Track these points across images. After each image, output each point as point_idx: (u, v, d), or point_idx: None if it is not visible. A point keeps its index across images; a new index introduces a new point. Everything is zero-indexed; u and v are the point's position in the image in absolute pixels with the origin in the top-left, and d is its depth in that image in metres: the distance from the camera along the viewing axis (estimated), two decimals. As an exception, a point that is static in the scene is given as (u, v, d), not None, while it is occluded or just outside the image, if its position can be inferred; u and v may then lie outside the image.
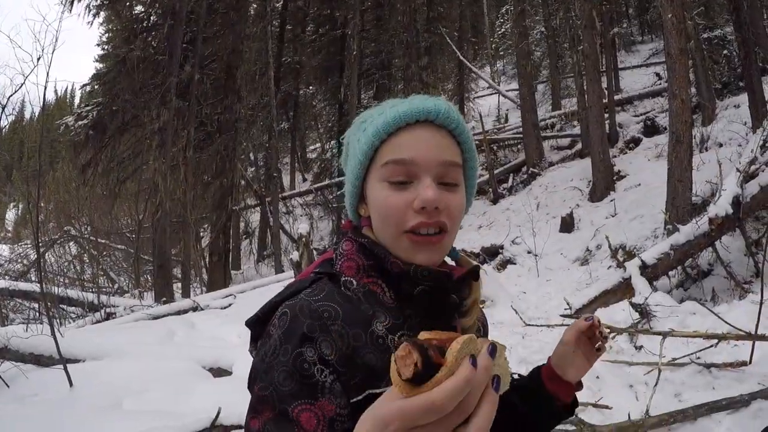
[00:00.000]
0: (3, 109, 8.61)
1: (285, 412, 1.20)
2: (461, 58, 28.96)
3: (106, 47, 23.38)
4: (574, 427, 5.66)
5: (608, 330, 1.47)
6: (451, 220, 1.43)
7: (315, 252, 12.26)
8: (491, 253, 15.03)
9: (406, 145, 1.42)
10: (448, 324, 1.47)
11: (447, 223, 1.42)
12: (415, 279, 1.39)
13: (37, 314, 14.85)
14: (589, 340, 1.65)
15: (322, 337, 1.27)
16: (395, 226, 1.40)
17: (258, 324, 1.40)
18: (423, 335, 0.97)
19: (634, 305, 8.59)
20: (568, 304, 9.78)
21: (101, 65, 21.78)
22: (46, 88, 8.15)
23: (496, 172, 21.58)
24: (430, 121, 1.44)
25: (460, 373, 0.89)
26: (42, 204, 26.42)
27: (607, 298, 9.68)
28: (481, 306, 1.62)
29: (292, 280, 1.66)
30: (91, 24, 19.51)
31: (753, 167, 10.22)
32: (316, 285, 1.40)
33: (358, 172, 1.48)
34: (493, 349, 0.93)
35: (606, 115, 18.78)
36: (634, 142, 19.90)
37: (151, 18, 19.38)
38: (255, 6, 24.26)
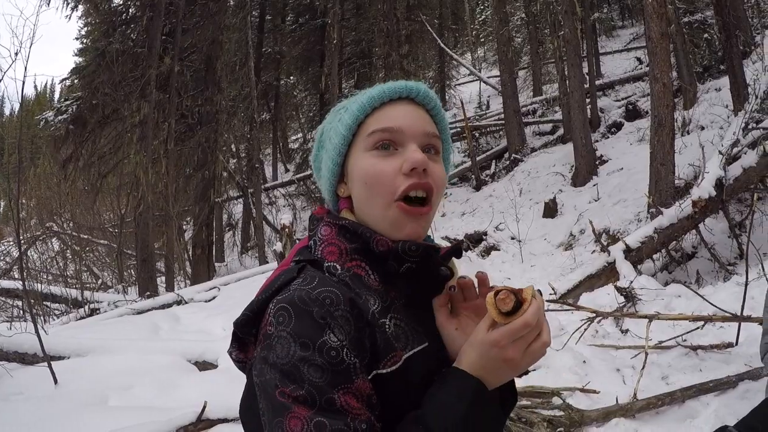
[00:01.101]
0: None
1: (331, 402, 1.20)
2: (442, 45, 28.93)
3: (84, 41, 23.09)
4: (562, 413, 5.65)
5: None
6: (436, 187, 1.47)
7: (298, 242, 12.21)
8: (475, 239, 15.02)
9: (392, 115, 1.48)
10: (430, 306, 1.48)
11: (433, 188, 1.46)
12: (403, 255, 1.39)
13: (21, 312, 14.74)
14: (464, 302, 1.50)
15: (333, 323, 1.26)
16: (385, 195, 1.42)
17: (248, 324, 1.35)
18: (504, 287, 1.33)
19: (619, 289, 8.60)
20: (552, 289, 9.77)
21: (80, 59, 21.51)
22: (24, 83, 8.07)
23: (478, 158, 21.57)
24: (411, 98, 1.53)
25: (535, 303, 1.29)
26: (23, 201, 26.29)
27: (591, 282, 9.70)
28: None
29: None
30: (70, 17, 19.35)
31: (735, 149, 10.26)
32: (304, 274, 1.36)
33: (341, 147, 1.49)
34: (540, 292, 1.35)
35: (588, 101, 18.82)
36: (616, 126, 19.95)
37: (130, 10, 19.21)
38: (234, -4, 24.17)
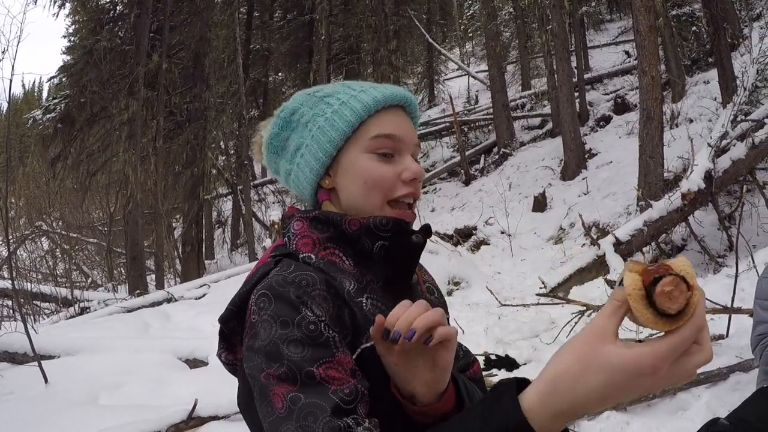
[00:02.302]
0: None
1: (311, 375, 1.19)
2: (430, 40, 28.91)
3: (72, 39, 23.07)
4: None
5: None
6: (418, 195, 1.56)
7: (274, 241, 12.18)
8: (465, 234, 15.02)
9: (392, 123, 1.52)
10: (408, 286, 1.53)
11: (418, 197, 1.55)
12: (375, 229, 1.43)
13: (11, 311, 14.71)
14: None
15: (311, 301, 1.27)
16: (382, 195, 1.48)
17: (232, 319, 1.37)
18: (631, 266, 0.96)
19: (609, 282, 8.62)
20: (543, 283, 9.79)
21: (68, 57, 21.49)
22: (11, 81, 8.03)
23: (467, 153, 21.60)
24: (402, 107, 1.58)
25: (701, 293, 0.94)
26: (12, 200, 26.23)
27: (582, 276, 9.72)
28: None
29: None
30: (57, 15, 19.36)
31: (724, 142, 10.29)
32: (282, 264, 1.38)
33: (338, 141, 1.49)
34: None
35: (576, 94, 18.84)
36: (605, 120, 20.00)
37: (117, 8, 19.18)
38: (221, -7, 24.12)
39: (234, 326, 1.37)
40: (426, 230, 1.53)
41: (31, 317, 12.72)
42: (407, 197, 1.50)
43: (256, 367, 1.24)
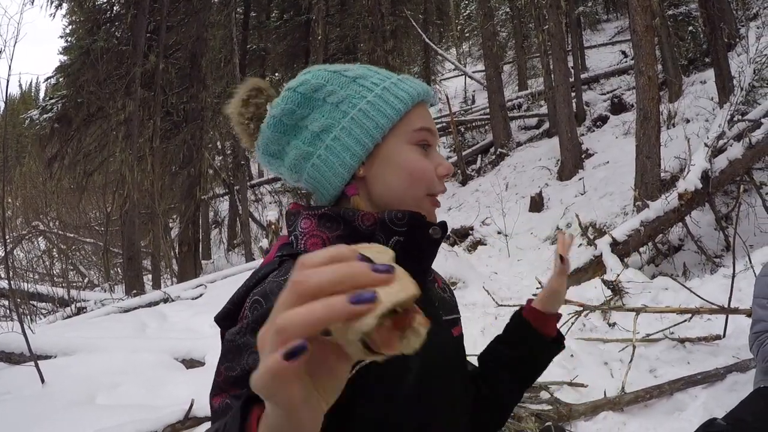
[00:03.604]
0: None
1: None
2: (427, 40, 28.87)
3: (69, 39, 23.07)
4: (550, 406, 5.65)
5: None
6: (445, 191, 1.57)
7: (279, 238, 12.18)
8: (461, 234, 15.01)
9: (427, 117, 1.52)
10: (424, 284, 1.47)
11: None
12: (390, 223, 1.38)
13: (7, 311, 14.69)
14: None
15: None
16: (425, 189, 1.47)
17: (228, 318, 1.34)
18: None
19: (606, 282, 8.60)
20: (540, 283, 9.76)
21: (65, 57, 21.50)
22: (9, 81, 8.04)
23: (464, 153, 21.62)
24: (425, 102, 1.54)
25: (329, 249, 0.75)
26: (9, 200, 26.21)
27: (578, 276, 9.70)
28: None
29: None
30: (54, 16, 19.36)
31: (721, 142, 10.30)
32: (283, 266, 1.33)
33: (386, 129, 1.43)
34: (390, 269, 0.74)
35: (573, 94, 18.83)
36: (602, 120, 20.00)
37: (114, 8, 19.16)
38: (218, -7, 24.12)
39: (229, 325, 1.32)
40: (443, 225, 1.48)
41: (28, 317, 12.71)
42: (442, 194, 1.52)
43: (221, 355, 1.26)
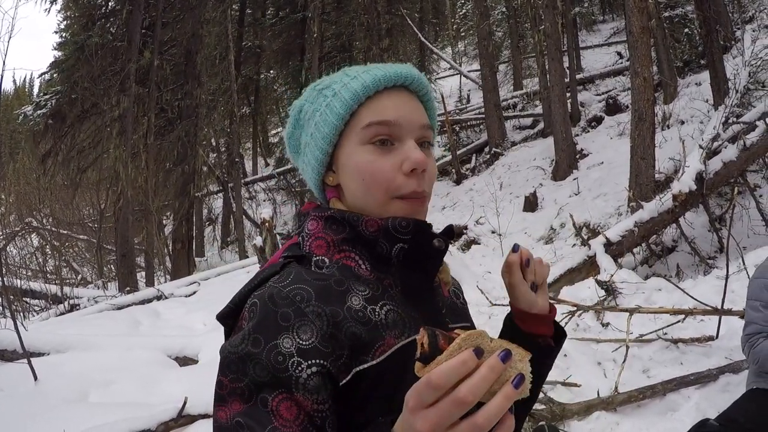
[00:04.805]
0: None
1: (264, 402, 1.16)
2: (422, 39, 28.92)
3: (64, 35, 23.04)
4: (543, 406, 5.66)
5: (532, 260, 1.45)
6: (430, 185, 1.44)
7: (278, 237, 12.19)
8: (455, 233, 15.00)
9: (388, 107, 1.40)
10: (430, 291, 1.46)
11: (426, 189, 1.43)
12: (394, 231, 1.35)
13: (0, 308, 14.70)
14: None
15: (299, 323, 1.21)
16: (384, 192, 1.38)
17: (230, 317, 1.32)
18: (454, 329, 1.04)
19: (599, 283, 8.61)
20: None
21: (59, 53, 21.46)
22: (3, 77, 8.03)
23: (458, 152, 21.62)
24: (404, 86, 1.45)
25: (459, 356, 0.92)
26: (2, 196, 26.21)
27: (572, 276, 9.71)
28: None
29: (257, 265, 1.60)
30: (49, 11, 19.35)
31: (715, 144, 10.34)
32: (284, 270, 1.33)
33: (332, 137, 1.41)
34: (508, 354, 0.95)
35: (568, 95, 18.88)
36: (596, 120, 20.02)
37: (109, 4, 19.18)
38: (214, -11, 24.09)
39: (232, 324, 1.32)
40: (448, 233, 1.46)
41: (21, 314, 12.70)
42: (413, 195, 1.39)
43: (221, 365, 1.24)
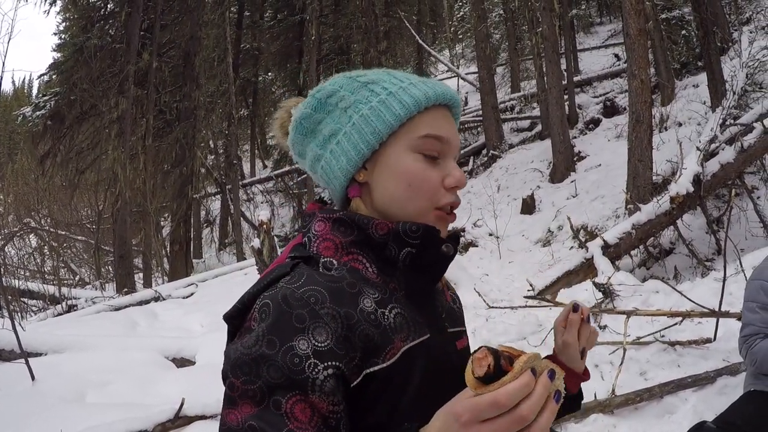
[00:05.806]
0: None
1: (278, 404, 1.15)
2: (420, 41, 28.89)
3: (63, 36, 23.12)
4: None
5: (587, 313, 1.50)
6: (458, 204, 1.49)
7: (276, 239, 12.18)
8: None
9: (442, 124, 1.45)
10: (433, 295, 1.50)
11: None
12: (403, 235, 1.36)
13: (-2, 308, 14.73)
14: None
15: (314, 325, 1.21)
16: (428, 200, 1.41)
17: (237, 317, 1.31)
18: (498, 347, 1.08)
19: (597, 285, 8.61)
20: (531, 285, 9.78)
21: (59, 55, 21.52)
22: (2, 78, 8.03)
23: (456, 155, 21.59)
24: (448, 107, 1.49)
25: (522, 378, 1.00)
26: (1, 196, 26.22)
27: (569, 278, 9.72)
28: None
29: (254, 267, 1.60)
30: (48, 13, 19.41)
31: (713, 146, 10.34)
32: (295, 271, 1.32)
33: (383, 135, 1.40)
34: (553, 373, 1.06)
35: (565, 97, 18.85)
36: (594, 122, 19.99)
37: (108, 6, 19.24)
38: (212, -8, 24.10)
39: (238, 324, 1.30)
40: (455, 239, 1.47)
41: (19, 314, 12.73)
42: (452, 207, 1.45)
43: (227, 370, 1.23)
